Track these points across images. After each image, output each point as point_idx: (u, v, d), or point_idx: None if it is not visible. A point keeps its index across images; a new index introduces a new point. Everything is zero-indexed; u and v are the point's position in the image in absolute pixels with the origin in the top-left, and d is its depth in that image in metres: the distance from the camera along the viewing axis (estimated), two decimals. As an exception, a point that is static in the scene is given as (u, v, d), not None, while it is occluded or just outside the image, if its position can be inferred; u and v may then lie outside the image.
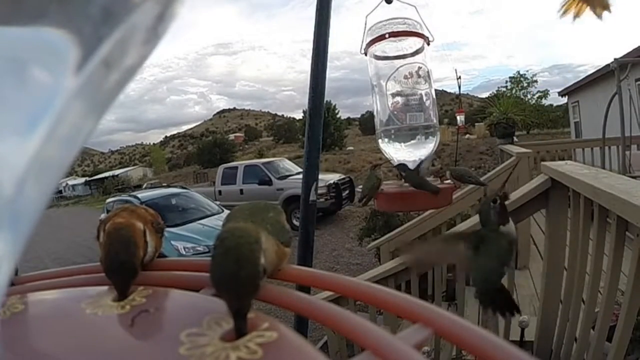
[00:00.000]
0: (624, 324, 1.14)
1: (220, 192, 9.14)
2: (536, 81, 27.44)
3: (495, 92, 22.42)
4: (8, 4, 0.12)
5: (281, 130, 53.18)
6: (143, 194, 7.12)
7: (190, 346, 0.25)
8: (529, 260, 2.87)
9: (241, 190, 8.81)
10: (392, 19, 1.04)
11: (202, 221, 5.81)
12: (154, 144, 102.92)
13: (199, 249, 5.02)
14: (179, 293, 0.33)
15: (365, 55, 1.09)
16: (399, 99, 1.08)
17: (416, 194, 0.99)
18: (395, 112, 1.07)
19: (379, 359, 0.23)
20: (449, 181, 1.06)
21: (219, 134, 65.61)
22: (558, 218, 1.61)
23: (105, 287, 0.34)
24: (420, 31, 1.04)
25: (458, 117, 15.72)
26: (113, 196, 10.70)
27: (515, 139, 6.07)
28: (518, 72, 27.80)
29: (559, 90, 12.78)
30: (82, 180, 44.31)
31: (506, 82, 28.00)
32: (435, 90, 1.15)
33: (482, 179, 1.91)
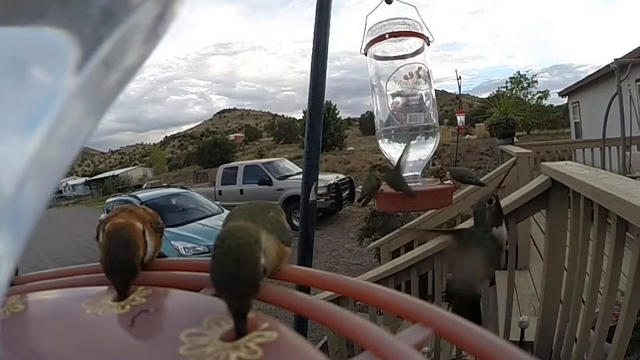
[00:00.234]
0: (624, 324, 1.14)
1: (220, 192, 9.15)
2: (536, 81, 27.51)
3: (495, 93, 22.49)
4: (8, 4, 0.12)
5: (281, 131, 53.23)
6: (143, 194, 7.14)
7: (190, 346, 0.25)
8: (529, 261, 2.86)
9: (241, 191, 8.82)
10: (392, 19, 1.04)
11: (202, 221, 5.82)
12: (154, 144, 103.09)
13: (199, 249, 5.02)
14: (179, 293, 0.33)
15: (365, 55, 1.09)
16: (399, 99, 1.08)
17: (416, 194, 0.98)
18: (395, 113, 1.07)
19: (379, 359, 0.23)
20: (449, 181, 1.06)
21: (219, 134, 65.66)
22: (558, 218, 1.61)
23: (105, 287, 0.34)
24: (420, 31, 1.04)
25: (458, 118, 15.75)
26: (113, 196, 10.71)
27: (515, 139, 6.06)
28: (518, 72, 27.89)
29: (559, 90, 12.81)
30: (82, 180, 44.34)
31: (506, 82, 28.08)
32: (436, 90, 1.15)
33: (482, 179, 1.91)
